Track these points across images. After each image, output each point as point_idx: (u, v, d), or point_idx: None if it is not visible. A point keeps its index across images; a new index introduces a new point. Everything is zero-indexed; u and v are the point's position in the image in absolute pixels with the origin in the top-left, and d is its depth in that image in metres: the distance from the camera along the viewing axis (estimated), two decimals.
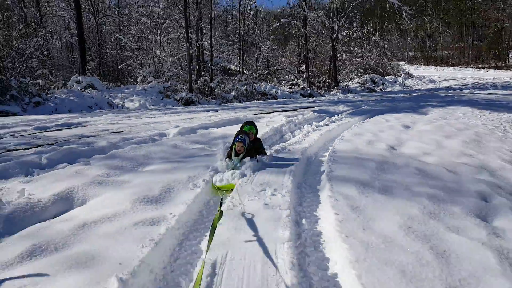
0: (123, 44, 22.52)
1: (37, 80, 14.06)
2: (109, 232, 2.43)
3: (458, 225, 2.66)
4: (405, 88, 23.35)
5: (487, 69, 41.73)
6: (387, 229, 2.54)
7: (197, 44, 17.98)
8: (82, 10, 17.62)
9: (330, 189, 3.27)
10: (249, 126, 4.51)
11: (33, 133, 6.38)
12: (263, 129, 6.05)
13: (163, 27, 17.83)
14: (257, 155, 4.18)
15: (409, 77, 30.07)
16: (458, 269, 2.07)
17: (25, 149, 4.95)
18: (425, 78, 31.35)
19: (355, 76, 26.32)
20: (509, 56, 47.83)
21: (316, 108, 9.65)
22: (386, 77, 27.00)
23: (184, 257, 2.36)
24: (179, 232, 2.62)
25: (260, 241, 2.38)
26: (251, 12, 23.39)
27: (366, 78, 24.54)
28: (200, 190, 3.27)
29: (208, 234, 2.56)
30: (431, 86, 25.87)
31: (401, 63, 50.32)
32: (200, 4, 17.81)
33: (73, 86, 14.88)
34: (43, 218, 2.81)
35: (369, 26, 35.63)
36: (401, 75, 28.15)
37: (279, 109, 10.22)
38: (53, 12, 19.80)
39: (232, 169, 3.88)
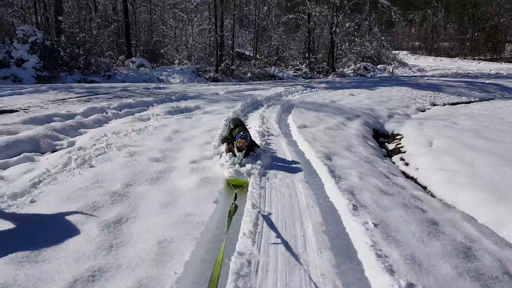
0: (154, 29, 27.97)
1: (105, 59, 19.71)
2: (211, 118, 8.00)
3: (348, 122, 8.22)
4: (390, 75, 28.48)
5: (479, 61, 46.34)
6: (310, 117, 8.08)
7: (220, 34, 23.40)
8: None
9: (294, 110, 8.84)
10: (243, 124, 4.91)
11: (149, 89, 12.01)
12: (269, 93, 11.61)
13: (194, 20, 23.29)
14: (253, 151, 4.44)
15: (401, 66, 35.16)
16: (342, 109, 7.64)
17: (162, 94, 10.54)
18: (417, 67, 36.35)
19: (352, 64, 31.48)
20: (507, 49, 52.26)
21: (305, 85, 15.18)
22: (379, 66, 32.13)
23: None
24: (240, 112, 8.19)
25: (269, 120, 7.96)
26: (265, 7, 28.52)
27: (360, 65, 29.76)
28: (239, 108, 8.79)
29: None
30: (417, 74, 30.94)
31: (404, 52, 55.13)
32: (223, 2, 23.17)
33: (129, 65, 20.51)
34: (191, 110, 8.37)
35: (371, 18, 40.59)
36: (392, 64, 33.19)
37: (282, 85, 15.74)
38: (106, 3, 25.35)
39: (239, 164, 4.12)
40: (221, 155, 4.47)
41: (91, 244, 2.42)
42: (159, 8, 28.85)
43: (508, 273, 2.62)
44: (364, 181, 4.13)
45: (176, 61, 22.42)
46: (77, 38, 17.88)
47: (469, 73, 28.60)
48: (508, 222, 3.66)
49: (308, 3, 26.45)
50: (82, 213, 2.76)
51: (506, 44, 52.01)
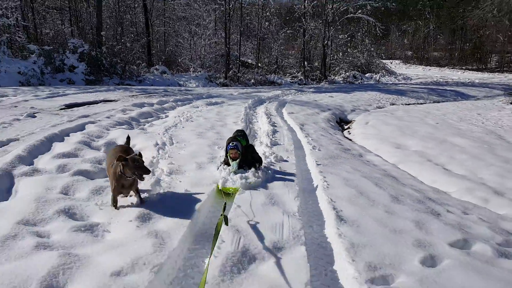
0: (168, 40, 32.92)
1: (135, 67, 24.58)
2: (235, 107, 12.81)
3: (321, 112, 13.07)
4: (375, 83, 33.38)
5: (464, 71, 51.50)
6: (297, 108, 12.88)
7: (228, 47, 28.37)
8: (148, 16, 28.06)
9: (287, 105, 13.68)
10: (240, 136, 5.07)
11: (181, 91, 16.84)
12: (270, 94, 16.46)
13: (207, 34, 28.29)
14: (256, 165, 4.67)
15: (389, 74, 40.17)
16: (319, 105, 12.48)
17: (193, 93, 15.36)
18: (403, 75, 41.37)
19: (342, 72, 36.43)
20: (493, 59, 57.52)
21: (298, 89, 20.07)
22: (367, 74, 37.11)
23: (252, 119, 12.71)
24: (247, 112, 12.98)
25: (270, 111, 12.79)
26: (266, 22, 33.59)
27: (349, 74, 34.73)
28: (250, 102, 13.60)
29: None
30: (401, 82, 35.89)
31: (397, 61, 60.35)
32: (231, 18, 28.18)
33: (154, 72, 25.38)
34: (220, 103, 13.14)
35: (363, 30, 45.70)
36: (379, 72, 38.20)
37: (279, 89, 20.61)
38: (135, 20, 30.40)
39: (234, 173, 4.40)
40: (218, 167, 4.80)
41: (212, 130, 7.17)
42: (173, 20, 33.83)
43: (386, 174, 7.32)
44: (316, 132, 8.90)
45: (191, 69, 27.32)
46: (115, 49, 22.75)
47: (447, 81, 33.48)
48: (380, 148, 8.42)
49: (303, 19, 31.47)
50: (197, 131, 7.48)
51: (493, 55, 57.18)
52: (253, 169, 4.57)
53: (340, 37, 41.75)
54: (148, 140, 6.22)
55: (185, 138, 6.61)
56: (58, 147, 5.28)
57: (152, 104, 11.19)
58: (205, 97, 14.48)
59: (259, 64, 34.45)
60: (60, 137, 5.87)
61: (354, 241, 2.93)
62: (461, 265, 2.74)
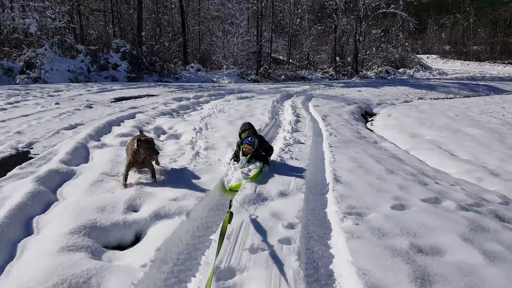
0: (202, 39, 34.46)
1: (172, 65, 26.19)
2: (263, 101, 13.86)
3: (346, 105, 13.89)
4: (407, 78, 33.30)
5: (506, 65, 49.72)
6: (322, 102, 13.75)
7: (260, 44, 29.45)
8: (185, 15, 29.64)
9: (313, 98, 14.57)
10: (251, 130, 5.11)
11: (214, 87, 18.10)
12: (298, 89, 17.38)
13: (239, 32, 29.52)
14: (267, 158, 4.80)
15: (423, 69, 39.77)
16: (346, 99, 13.33)
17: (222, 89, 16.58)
18: (438, 70, 40.80)
19: (375, 67, 36.55)
20: None
21: (327, 84, 20.82)
22: (400, 69, 37.00)
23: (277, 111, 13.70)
24: (274, 105, 13.98)
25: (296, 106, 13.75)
26: (298, 20, 34.37)
27: (382, 69, 34.83)
28: (278, 97, 14.60)
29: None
30: (436, 77, 35.56)
31: (434, 56, 59.11)
32: (263, 16, 29.21)
33: (189, 69, 26.90)
34: (250, 97, 14.25)
35: (398, 24, 45.34)
36: (413, 67, 37.93)
37: (308, 84, 21.43)
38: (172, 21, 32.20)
39: (241, 168, 4.46)
40: (229, 162, 4.87)
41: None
42: (207, 20, 35.32)
43: (396, 158, 8.15)
44: (337, 123, 9.76)
45: (224, 66, 28.65)
46: (154, 48, 24.44)
47: (483, 76, 32.91)
48: (396, 138, 9.19)
49: (334, 16, 31.98)
50: (228, 120, 8.59)
51: None
52: (264, 164, 4.68)
53: (374, 32, 41.78)
54: (187, 126, 7.40)
55: (218, 125, 7.74)
56: (117, 130, 6.57)
57: (189, 98, 12.45)
58: (236, 92, 15.63)
59: (290, 60, 35.30)
60: (117, 122, 7.18)
61: (343, 193, 3.91)
62: (424, 211, 3.66)
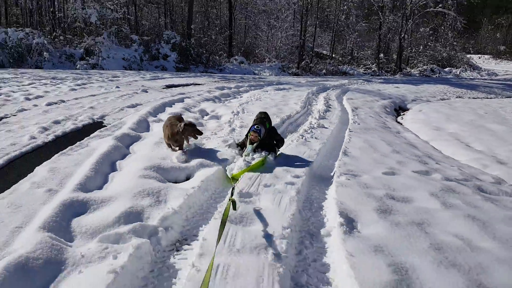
0: (248, 32, 35.75)
1: (217, 57, 27.70)
2: (299, 92, 14.84)
3: (381, 100, 14.62)
4: (453, 77, 32.69)
5: None
6: (357, 96, 14.52)
7: (303, 39, 30.26)
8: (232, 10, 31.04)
9: (348, 92, 15.35)
10: (265, 119, 5.01)
11: (255, 78, 19.31)
12: (335, 83, 18.16)
13: (284, 27, 30.53)
14: (272, 152, 4.82)
15: (471, 69, 38.68)
16: (381, 94, 14.09)
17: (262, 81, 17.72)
18: (488, 71, 39.50)
19: (420, 65, 36.14)
20: None
21: (366, 79, 21.37)
22: (446, 69, 36.31)
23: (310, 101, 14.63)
24: (309, 96, 14.91)
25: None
26: (343, 16, 34.74)
27: (427, 67, 34.43)
28: (314, 89, 15.50)
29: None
30: (484, 77, 34.61)
31: (486, 56, 56.74)
32: (308, 11, 29.97)
33: (233, 61, 28.30)
34: (287, 89, 15.30)
35: (447, 23, 44.21)
36: (460, 67, 37.04)
37: (347, 79, 22.06)
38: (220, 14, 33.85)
39: (245, 156, 4.60)
40: (239, 151, 5.03)
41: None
42: (254, 14, 36.54)
43: (411, 144, 8.94)
44: (366, 114, 10.59)
45: (267, 59, 29.80)
46: (201, 41, 26.07)
47: None
48: (420, 130, 9.90)
49: (380, 13, 32.05)
50: (263, 106, 9.72)
51: None
52: (270, 153, 4.80)
53: (421, 30, 41.05)
54: (227, 110, 8.63)
55: (253, 110, 8.90)
56: (169, 109, 7.95)
57: (230, 88, 13.72)
58: (275, 83, 16.72)
59: (333, 55, 35.78)
60: (169, 104, 8.57)
61: (347, 162, 4.93)
62: (410, 177, 4.60)
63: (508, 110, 12.73)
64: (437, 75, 33.74)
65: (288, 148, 5.55)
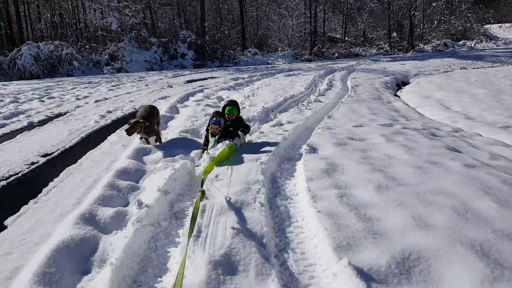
0: (260, 23, 37.41)
1: (231, 51, 29.56)
2: (306, 76, 16.49)
3: (383, 77, 16.12)
4: (467, 50, 33.29)
5: None
6: (361, 75, 16.05)
7: (314, 25, 31.68)
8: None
9: (354, 73, 16.87)
10: (230, 107, 5.15)
11: (268, 68, 21.07)
12: (344, 65, 19.67)
13: (294, 15, 32.08)
14: (235, 138, 4.92)
15: (487, 40, 38.94)
16: (385, 71, 15.63)
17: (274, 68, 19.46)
18: (505, 40, 39.60)
19: (434, 40, 36.80)
20: None
21: (374, 59, 22.72)
22: (460, 42, 36.80)
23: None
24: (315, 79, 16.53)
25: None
26: None
27: (440, 42, 35.11)
28: (322, 72, 17.11)
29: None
30: (501, 47, 34.97)
31: (507, 25, 56.04)
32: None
33: (247, 54, 30.09)
34: (296, 74, 16.96)
35: None
36: (475, 39, 37.42)
37: (356, 60, 23.46)
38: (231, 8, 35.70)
39: (210, 149, 4.68)
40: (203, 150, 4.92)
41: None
42: (264, 5, 38.13)
43: (394, 110, 10.51)
44: (364, 90, 12.17)
45: (280, 49, 31.45)
46: (215, 37, 28.02)
47: None
48: (411, 99, 11.42)
49: None
50: (270, 90, 11.50)
51: None
52: (234, 139, 4.94)
53: (434, 4, 41.50)
54: (240, 95, 10.49)
55: (262, 94, 10.71)
56: (192, 98, 9.91)
57: (244, 78, 15.55)
58: (285, 70, 18.44)
59: (346, 38, 37.01)
60: (192, 94, 10.53)
61: (327, 122, 6.68)
62: (373, 127, 6.30)
63: (500, 76, 13.97)
64: (450, 49, 34.43)
65: (285, 116, 7.35)
